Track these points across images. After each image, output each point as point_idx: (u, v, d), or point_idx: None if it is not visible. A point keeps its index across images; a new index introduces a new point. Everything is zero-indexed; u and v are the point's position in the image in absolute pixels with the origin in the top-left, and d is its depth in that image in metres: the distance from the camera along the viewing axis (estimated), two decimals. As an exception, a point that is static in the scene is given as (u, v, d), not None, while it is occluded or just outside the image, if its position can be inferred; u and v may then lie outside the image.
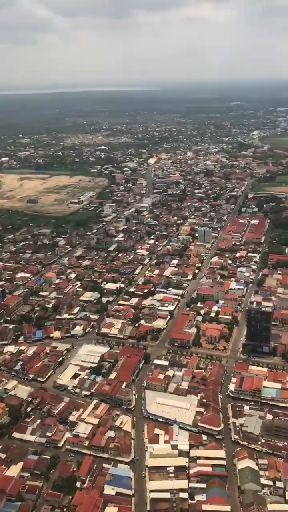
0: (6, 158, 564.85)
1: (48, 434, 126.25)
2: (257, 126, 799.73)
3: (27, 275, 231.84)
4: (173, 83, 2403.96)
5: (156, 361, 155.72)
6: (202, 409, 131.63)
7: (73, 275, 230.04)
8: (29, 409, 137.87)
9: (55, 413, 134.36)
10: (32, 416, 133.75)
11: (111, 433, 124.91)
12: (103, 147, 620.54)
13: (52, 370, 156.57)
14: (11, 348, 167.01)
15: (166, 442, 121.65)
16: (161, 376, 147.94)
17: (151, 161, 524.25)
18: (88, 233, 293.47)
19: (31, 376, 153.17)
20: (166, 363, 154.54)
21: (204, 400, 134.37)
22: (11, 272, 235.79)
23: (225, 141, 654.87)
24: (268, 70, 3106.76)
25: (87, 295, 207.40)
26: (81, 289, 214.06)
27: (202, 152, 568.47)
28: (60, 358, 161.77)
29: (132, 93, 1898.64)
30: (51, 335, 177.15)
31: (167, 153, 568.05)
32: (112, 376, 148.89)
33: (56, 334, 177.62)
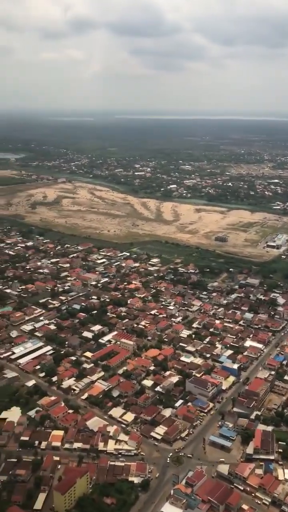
0: (175, 186, 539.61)
1: None
2: None
3: (258, 345, 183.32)
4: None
5: None
6: None
7: None
8: None
9: None
10: None
11: None
12: (276, 181, 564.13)
13: None
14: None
15: None
16: None
17: None
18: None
19: None
20: None
21: None
22: (234, 338, 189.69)
23: None
24: None
25: None
26: None
27: None
28: None
29: (274, 123, 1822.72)
30: None
31: None
32: None
33: None
